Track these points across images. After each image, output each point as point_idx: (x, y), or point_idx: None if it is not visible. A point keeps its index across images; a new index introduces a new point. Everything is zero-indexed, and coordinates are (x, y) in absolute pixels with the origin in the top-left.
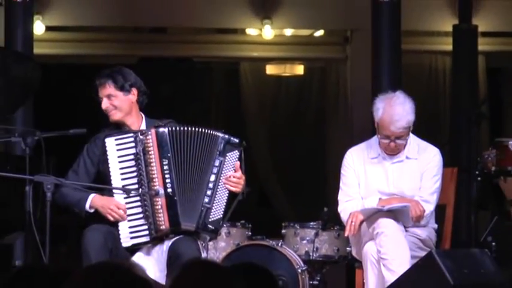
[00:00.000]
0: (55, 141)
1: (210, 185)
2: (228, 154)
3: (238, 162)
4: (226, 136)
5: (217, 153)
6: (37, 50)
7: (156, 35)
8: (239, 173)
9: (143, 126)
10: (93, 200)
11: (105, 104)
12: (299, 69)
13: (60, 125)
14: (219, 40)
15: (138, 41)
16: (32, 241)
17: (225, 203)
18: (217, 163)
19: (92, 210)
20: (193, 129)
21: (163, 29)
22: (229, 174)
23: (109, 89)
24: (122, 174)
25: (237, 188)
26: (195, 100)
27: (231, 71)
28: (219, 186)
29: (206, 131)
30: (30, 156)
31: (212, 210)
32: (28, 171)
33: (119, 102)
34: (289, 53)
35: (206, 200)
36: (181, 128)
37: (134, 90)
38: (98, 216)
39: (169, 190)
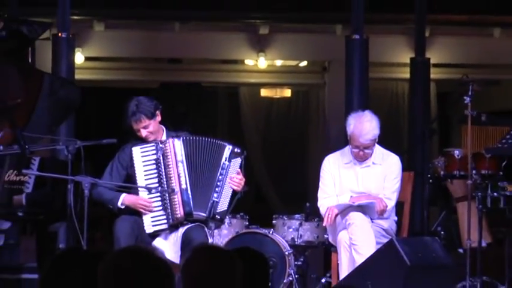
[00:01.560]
0: (91, 149)
1: (218, 184)
2: (232, 160)
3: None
4: (232, 146)
5: (224, 159)
6: (77, 76)
7: (173, 65)
8: (240, 176)
9: (164, 137)
10: (124, 199)
11: (144, 133)
12: (287, 93)
13: (95, 135)
14: (222, 69)
15: (159, 69)
16: (73, 229)
17: (229, 199)
18: (223, 167)
19: (123, 207)
20: (203, 139)
21: (178, 59)
22: (233, 176)
23: (144, 122)
24: (146, 175)
25: (238, 187)
26: (203, 117)
27: (232, 93)
28: (224, 185)
29: (215, 141)
30: (71, 160)
31: (219, 204)
32: (70, 173)
33: (152, 127)
34: (279, 79)
35: (215, 195)
36: (194, 138)
37: (158, 112)
38: (127, 211)
39: (183, 187)
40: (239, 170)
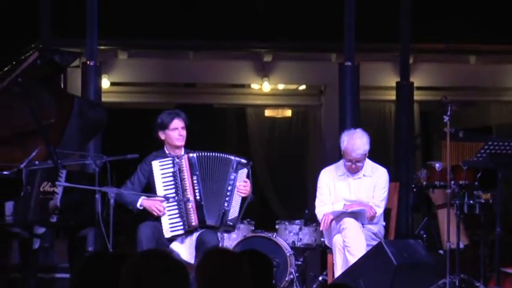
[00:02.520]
0: (116, 163)
1: (228, 193)
2: (239, 171)
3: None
4: (237, 158)
5: (232, 170)
6: (104, 99)
7: (187, 89)
8: (246, 183)
9: (182, 153)
10: (142, 201)
11: (181, 132)
12: (288, 113)
13: (120, 151)
14: (231, 92)
15: (175, 92)
16: (100, 233)
17: (239, 206)
18: (232, 177)
19: (142, 208)
20: (214, 154)
21: (192, 84)
22: (240, 184)
23: (183, 123)
24: (164, 186)
25: (245, 194)
26: (214, 134)
27: (240, 114)
28: (234, 195)
29: (223, 155)
30: (98, 173)
31: (230, 212)
32: (97, 184)
33: (184, 133)
34: (281, 101)
35: (225, 204)
36: (206, 154)
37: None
38: (145, 213)
39: (197, 197)
40: (246, 179)
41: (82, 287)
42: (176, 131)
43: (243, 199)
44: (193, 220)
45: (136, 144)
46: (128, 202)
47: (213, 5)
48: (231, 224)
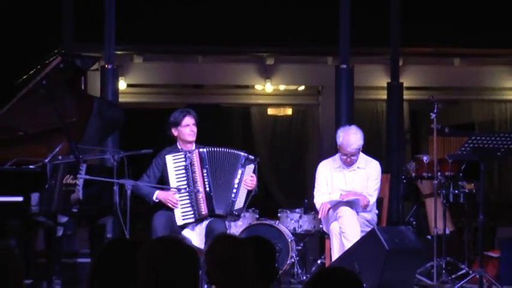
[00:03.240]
0: (132, 157)
1: (235, 186)
2: (247, 166)
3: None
4: (246, 154)
5: (240, 165)
6: (121, 99)
7: (196, 90)
8: (253, 177)
9: (193, 148)
10: (157, 194)
11: (193, 128)
12: (289, 111)
13: (135, 146)
14: (237, 92)
15: (185, 93)
16: (118, 222)
17: (245, 198)
18: (240, 172)
19: (157, 200)
20: (223, 150)
21: (201, 85)
22: (246, 178)
23: (194, 120)
24: (177, 178)
25: (251, 187)
26: (222, 131)
27: (244, 112)
28: (240, 187)
29: (232, 151)
30: (116, 167)
31: (236, 203)
32: (115, 177)
33: (195, 129)
34: (282, 101)
35: (232, 195)
36: (215, 149)
37: None
38: (160, 204)
39: (207, 189)
40: (252, 173)
41: (102, 271)
42: (188, 127)
43: (249, 191)
44: (203, 209)
45: (151, 141)
46: (145, 194)
47: (219, 13)
48: (237, 213)
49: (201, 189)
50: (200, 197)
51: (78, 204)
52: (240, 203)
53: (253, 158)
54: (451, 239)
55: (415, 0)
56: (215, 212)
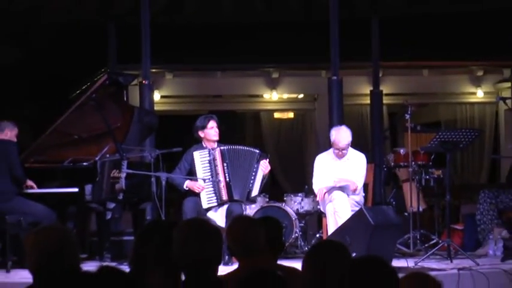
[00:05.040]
0: (166, 154)
1: (252, 177)
2: (261, 161)
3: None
4: (260, 151)
5: (255, 161)
6: (156, 108)
7: (216, 99)
8: (267, 163)
9: (215, 146)
10: (187, 183)
11: (215, 130)
12: (291, 115)
13: (168, 146)
14: (248, 101)
15: (207, 102)
16: (155, 207)
17: (259, 186)
18: (255, 165)
19: (187, 188)
20: (240, 147)
21: (220, 95)
22: (262, 164)
23: (216, 123)
24: (203, 170)
25: (266, 172)
26: (237, 133)
27: (255, 117)
28: (256, 178)
29: (249, 148)
30: (153, 162)
31: (252, 191)
32: (152, 170)
33: (218, 130)
34: (286, 106)
35: (250, 185)
36: (234, 147)
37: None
38: (189, 192)
39: (227, 179)
40: (266, 161)
41: (143, 246)
42: (212, 129)
43: (263, 178)
44: (224, 195)
45: (180, 141)
46: (177, 184)
47: (234, 37)
48: (253, 199)
49: (222, 179)
50: (221, 185)
51: (122, 193)
52: (255, 190)
53: (265, 154)
54: (424, 215)
55: (392, 25)
56: (234, 197)
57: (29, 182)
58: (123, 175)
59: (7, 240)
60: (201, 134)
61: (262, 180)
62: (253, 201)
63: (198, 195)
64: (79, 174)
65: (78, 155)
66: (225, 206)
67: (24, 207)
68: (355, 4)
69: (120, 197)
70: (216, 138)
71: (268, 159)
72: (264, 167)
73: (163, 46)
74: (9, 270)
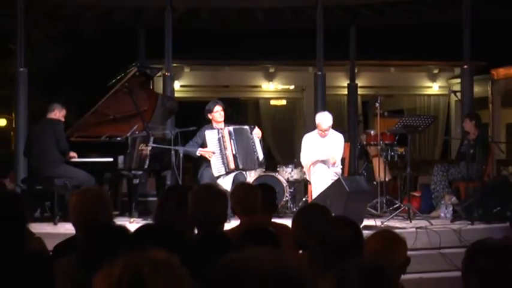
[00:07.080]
0: (183, 132)
1: (253, 147)
2: (253, 132)
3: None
4: (249, 125)
5: (249, 132)
6: (176, 95)
7: (224, 88)
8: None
9: (223, 126)
10: (199, 151)
11: (222, 113)
12: (284, 102)
13: (185, 125)
14: (250, 90)
15: (217, 91)
16: (174, 174)
17: (261, 151)
18: (251, 136)
19: (199, 155)
20: (241, 126)
21: (227, 86)
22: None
23: (222, 108)
24: (213, 146)
25: (259, 135)
26: (240, 116)
27: (255, 104)
28: (256, 145)
29: (244, 126)
30: (173, 138)
31: (259, 157)
32: (172, 144)
33: (223, 113)
34: (280, 95)
35: (255, 153)
36: (237, 127)
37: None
38: (202, 158)
39: (233, 152)
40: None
41: (165, 205)
42: (217, 113)
43: (260, 144)
44: (232, 165)
45: (194, 122)
46: (191, 152)
47: (239, 38)
48: (262, 162)
49: (229, 152)
50: (229, 157)
51: (148, 162)
52: (261, 155)
53: (253, 126)
54: (389, 184)
55: (366, 32)
56: (239, 167)
57: (72, 154)
58: (148, 148)
59: (55, 199)
60: (209, 116)
61: (261, 144)
62: (262, 164)
63: (209, 162)
64: (113, 147)
65: (113, 132)
66: (232, 175)
67: (69, 173)
68: (337, 14)
69: (146, 165)
70: (221, 119)
71: (255, 127)
72: (257, 134)
73: (182, 46)
74: (57, 223)
